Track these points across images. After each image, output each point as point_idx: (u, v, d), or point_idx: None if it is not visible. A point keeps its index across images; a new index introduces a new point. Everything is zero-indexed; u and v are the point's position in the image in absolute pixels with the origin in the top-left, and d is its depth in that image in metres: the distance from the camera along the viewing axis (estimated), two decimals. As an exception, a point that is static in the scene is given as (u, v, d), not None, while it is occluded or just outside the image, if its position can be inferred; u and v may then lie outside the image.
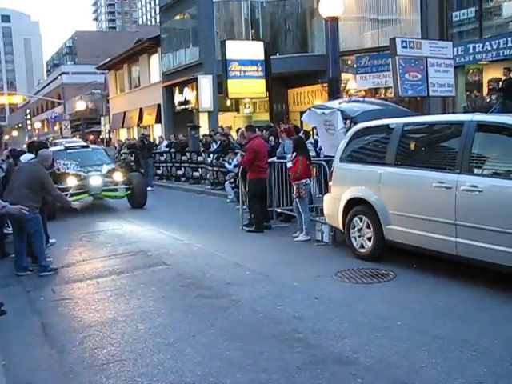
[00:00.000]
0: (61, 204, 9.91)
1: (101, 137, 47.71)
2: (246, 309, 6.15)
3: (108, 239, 10.84)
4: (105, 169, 14.88)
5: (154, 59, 34.71)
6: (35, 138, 51.80)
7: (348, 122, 9.91)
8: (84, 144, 18.52)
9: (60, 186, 12.85)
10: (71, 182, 14.08)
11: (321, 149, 11.70)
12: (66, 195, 12.80)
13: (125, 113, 40.20)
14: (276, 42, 27.50)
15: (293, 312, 5.94)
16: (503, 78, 16.55)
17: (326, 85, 22.16)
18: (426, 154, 7.47)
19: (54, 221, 12.34)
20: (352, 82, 23.15)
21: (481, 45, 18.59)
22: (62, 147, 16.47)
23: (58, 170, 14.01)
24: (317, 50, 26.11)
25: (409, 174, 7.30)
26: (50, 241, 10.17)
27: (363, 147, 8.59)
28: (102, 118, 50.15)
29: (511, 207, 6.00)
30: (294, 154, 9.80)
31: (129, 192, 15.01)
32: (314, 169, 10.44)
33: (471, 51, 18.83)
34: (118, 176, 14.99)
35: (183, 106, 30.46)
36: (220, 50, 23.51)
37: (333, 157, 9.23)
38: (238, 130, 18.92)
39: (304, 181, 9.61)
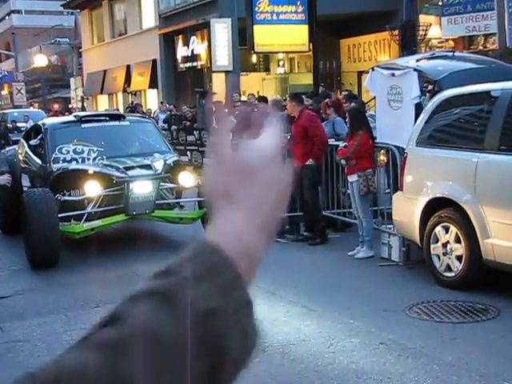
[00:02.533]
0: None
1: (70, 106, 48.18)
2: (281, 357, 6.17)
3: None
4: (159, 163, 11.21)
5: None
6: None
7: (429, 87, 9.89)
8: (115, 113, 16.01)
9: (69, 198, 10.85)
10: (93, 189, 10.67)
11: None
12: (82, 216, 10.62)
13: (105, 72, 40.54)
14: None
15: (348, 362, 5.97)
16: None
17: (396, 32, 22.11)
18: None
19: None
20: (435, 28, 23.03)
21: None
22: (71, 117, 13.84)
23: (65, 162, 11.40)
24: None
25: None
26: None
27: (451, 125, 8.62)
28: (71, 80, 50.68)
29: None
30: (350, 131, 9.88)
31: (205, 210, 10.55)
32: (382, 155, 10.46)
33: None
34: (187, 178, 11.42)
35: (189, 64, 30.69)
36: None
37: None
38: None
39: (370, 170, 9.62)
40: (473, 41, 22.68)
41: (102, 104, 41.89)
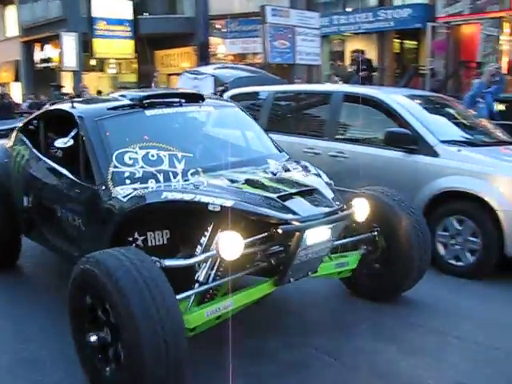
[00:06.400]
0: None
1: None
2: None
3: None
4: (323, 185, 3.98)
5: (11, 10, 32.53)
6: None
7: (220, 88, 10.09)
8: (188, 91, 6.28)
9: (176, 262, 3.48)
10: (228, 244, 3.31)
11: None
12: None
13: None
14: (145, 2, 26.94)
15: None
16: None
17: (196, 48, 22.15)
18: (297, 121, 7.84)
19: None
20: (222, 47, 23.33)
21: (344, 17, 19.57)
22: (120, 98, 4.83)
23: (137, 183, 3.98)
24: (186, 12, 25.93)
25: (280, 140, 7.62)
26: None
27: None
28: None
29: (371, 169, 6.47)
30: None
31: (363, 252, 4.57)
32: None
33: (335, 23, 19.77)
34: (364, 207, 4.28)
35: (45, 64, 29.05)
36: (86, 6, 22.57)
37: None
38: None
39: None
40: (246, 56, 23.26)
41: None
